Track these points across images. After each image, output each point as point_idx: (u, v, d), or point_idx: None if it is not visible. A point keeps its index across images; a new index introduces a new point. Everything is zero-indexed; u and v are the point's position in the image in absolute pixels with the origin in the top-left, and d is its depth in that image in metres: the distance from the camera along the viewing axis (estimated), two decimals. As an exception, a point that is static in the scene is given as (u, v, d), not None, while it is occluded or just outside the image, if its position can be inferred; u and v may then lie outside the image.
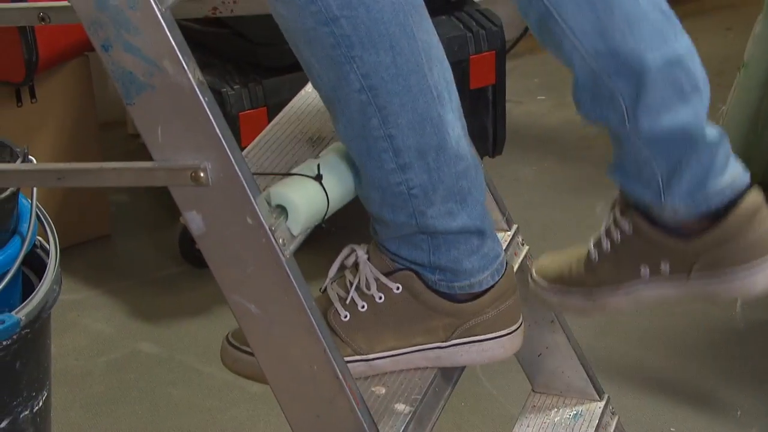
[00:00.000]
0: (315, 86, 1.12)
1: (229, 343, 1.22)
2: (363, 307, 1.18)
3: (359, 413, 1.09)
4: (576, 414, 1.51)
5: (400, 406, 1.19)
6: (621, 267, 1.28)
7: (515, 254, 1.42)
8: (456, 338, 1.20)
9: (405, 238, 1.16)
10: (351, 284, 1.19)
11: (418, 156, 1.11)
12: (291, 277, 1.05)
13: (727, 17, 3.46)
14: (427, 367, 1.22)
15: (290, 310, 1.06)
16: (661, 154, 1.22)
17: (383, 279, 1.18)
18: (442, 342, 1.20)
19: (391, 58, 1.07)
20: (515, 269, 1.37)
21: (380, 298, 1.18)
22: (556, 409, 1.52)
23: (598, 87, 1.21)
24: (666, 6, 1.22)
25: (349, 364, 1.12)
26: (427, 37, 1.11)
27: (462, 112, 1.17)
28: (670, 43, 1.20)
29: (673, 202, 1.23)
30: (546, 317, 1.50)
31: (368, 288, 1.18)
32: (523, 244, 1.46)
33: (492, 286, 1.19)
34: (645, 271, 1.26)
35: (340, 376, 1.08)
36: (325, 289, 1.21)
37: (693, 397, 2.04)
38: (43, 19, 1.48)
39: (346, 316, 1.19)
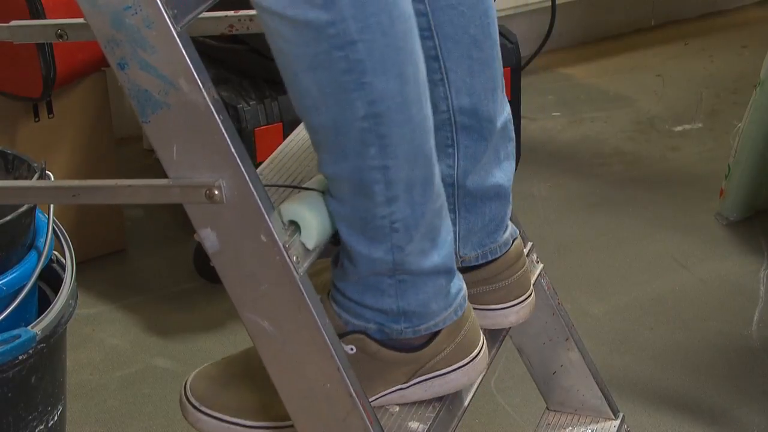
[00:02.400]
0: (305, 116, 1.08)
1: (188, 401, 1.22)
2: None
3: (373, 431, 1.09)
4: (590, 432, 1.51)
5: (414, 424, 1.19)
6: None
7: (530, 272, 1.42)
8: (418, 377, 1.19)
9: (371, 283, 1.14)
10: None
11: (406, 189, 1.10)
12: (305, 294, 1.06)
13: (743, 35, 3.46)
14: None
15: (304, 328, 1.07)
16: (470, 205, 1.27)
17: None
18: (403, 384, 1.19)
19: (399, 86, 1.06)
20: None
21: None
22: (570, 427, 1.52)
23: (443, 138, 1.25)
24: (502, 73, 1.30)
25: None
26: (423, 67, 1.10)
27: None
28: (505, 109, 1.29)
29: (462, 252, 1.29)
30: (561, 335, 1.50)
31: None
32: (538, 262, 1.46)
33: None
34: None
35: (354, 395, 1.08)
36: None
37: (709, 415, 2.03)
38: (60, 36, 1.49)
39: None
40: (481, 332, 1.23)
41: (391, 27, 1.05)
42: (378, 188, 1.09)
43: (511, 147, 1.30)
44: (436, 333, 1.18)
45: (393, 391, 1.19)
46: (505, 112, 1.29)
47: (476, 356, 1.21)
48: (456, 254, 1.29)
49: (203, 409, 1.20)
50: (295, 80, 1.07)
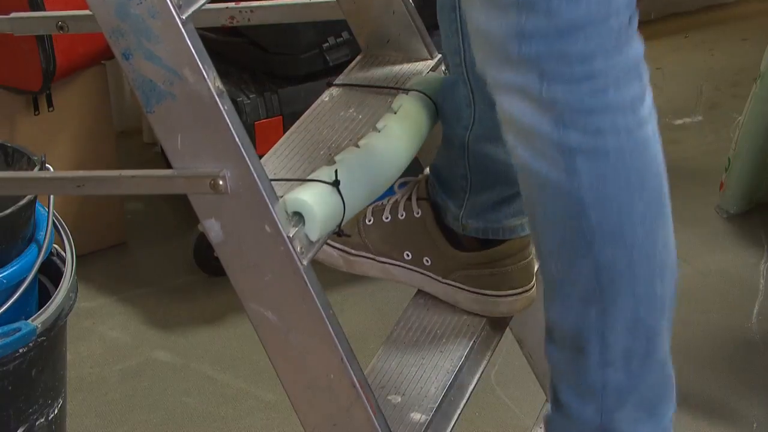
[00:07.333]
0: (542, 258, 1.10)
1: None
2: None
3: (376, 422, 1.09)
4: (591, 424, 1.51)
5: (416, 416, 1.20)
6: (389, 242, 1.34)
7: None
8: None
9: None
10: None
11: (624, 357, 1.08)
12: (309, 285, 1.06)
13: (744, 28, 3.45)
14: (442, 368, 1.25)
15: (308, 319, 1.07)
16: (479, 173, 1.28)
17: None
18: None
19: (627, 261, 1.04)
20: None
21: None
22: (571, 420, 1.52)
23: (459, 93, 1.24)
24: None
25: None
26: (666, 242, 1.08)
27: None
28: None
29: (467, 219, 1.31)
30: (562, 327, 1.49)
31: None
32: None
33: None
34: (408, 256, 1.33)
35: (357, 385, 1.08)
36: None
37: (708, 408, 2.03)
38: (61, 28, 1.49)
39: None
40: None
41: (628, 203, 1.04)
42: (592, 349, 1.08)
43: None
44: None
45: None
46: None
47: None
48: (459, 220, 1.30)
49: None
50: (539, 224, 1.08)
